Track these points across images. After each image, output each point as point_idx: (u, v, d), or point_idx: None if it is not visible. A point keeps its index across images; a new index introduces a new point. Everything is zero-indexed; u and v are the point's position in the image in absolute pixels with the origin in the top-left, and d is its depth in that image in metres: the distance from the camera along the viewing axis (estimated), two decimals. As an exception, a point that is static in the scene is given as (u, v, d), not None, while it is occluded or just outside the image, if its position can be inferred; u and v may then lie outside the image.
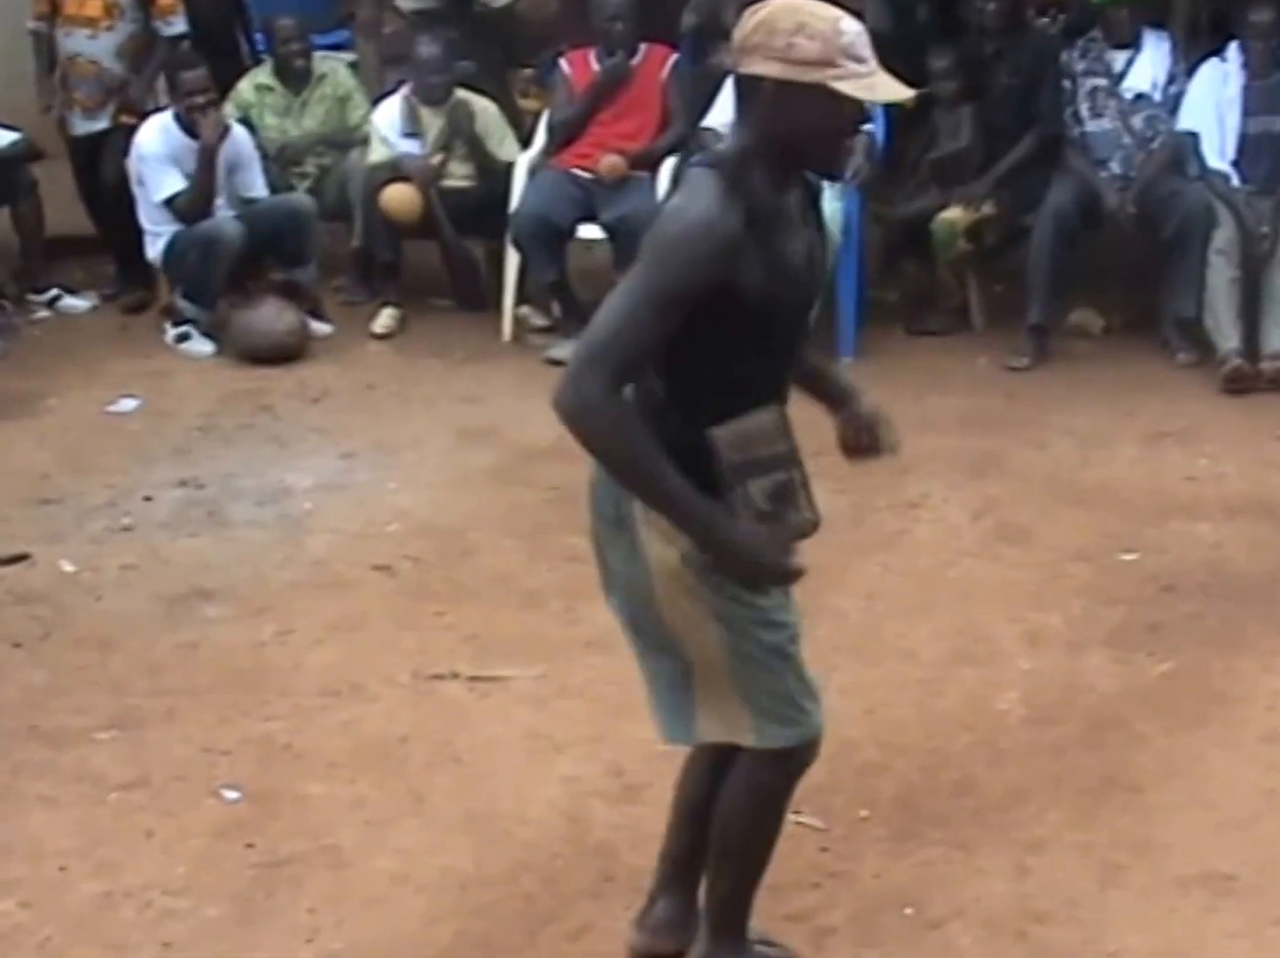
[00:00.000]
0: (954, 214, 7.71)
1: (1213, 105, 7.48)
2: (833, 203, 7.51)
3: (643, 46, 7.95)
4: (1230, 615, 5.22)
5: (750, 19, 3.09)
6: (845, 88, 3.02)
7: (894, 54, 8.15)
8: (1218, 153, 7.47)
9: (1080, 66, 7.74)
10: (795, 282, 3.19)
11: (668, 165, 7.80)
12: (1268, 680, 4.84)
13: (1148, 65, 7.69)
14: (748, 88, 3.10)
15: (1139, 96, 7.67)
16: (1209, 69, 7.55)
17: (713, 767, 3.54)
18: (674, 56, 8.00)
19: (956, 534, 5.88)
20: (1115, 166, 7.66)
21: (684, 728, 3.42)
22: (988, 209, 7.72)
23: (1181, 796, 4.30)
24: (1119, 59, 7.71)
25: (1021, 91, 7.80)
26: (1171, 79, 7.66)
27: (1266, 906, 3.86)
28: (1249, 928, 3.79)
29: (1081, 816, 4.23)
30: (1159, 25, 7.85)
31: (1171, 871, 3.99)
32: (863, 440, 3.55)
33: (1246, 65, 7.47)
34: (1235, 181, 7.44)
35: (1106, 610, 5.28)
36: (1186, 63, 7.66)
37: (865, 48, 3.05)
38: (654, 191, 7.69)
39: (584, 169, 7.82)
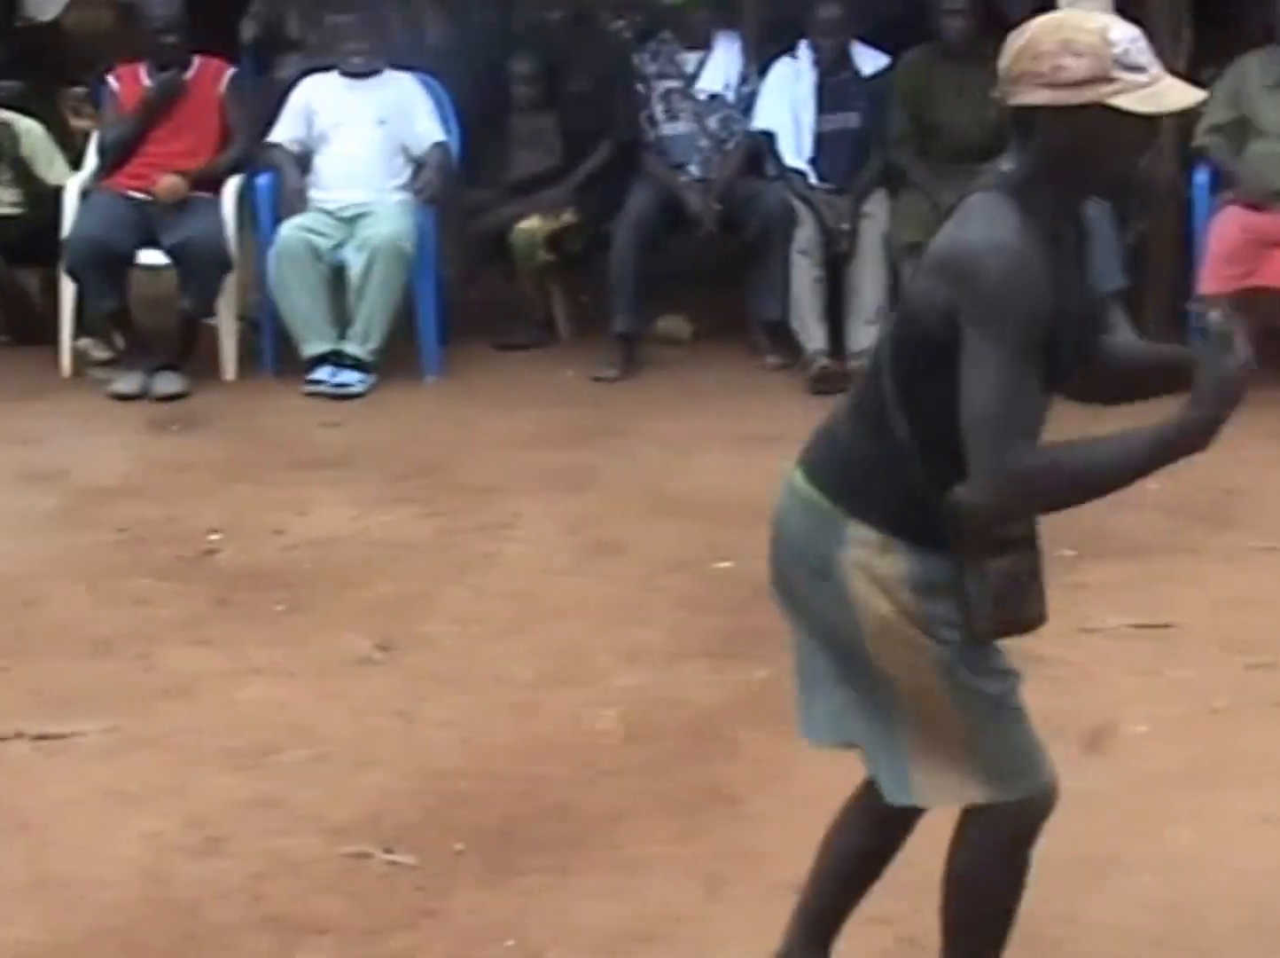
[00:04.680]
0: (532, 224, 7.63)
1: (787, 104, 7.55)
2: (404, 219, 7.40)
3: (196, 60, 7.70)
4: (825, 616, 5.19)
5: (1013, 45, 2.87)
6: (1124, 102, 2.80)
7: (460, 61, 8.22)
8: (795, 151, 7.53)
9: (652, 69, 7.75)
10: (1076, 319, 2.95)
11: (232, 184, 7.59)
12: (863, 680, 4.82)
13: (720, 66, 7.74)
14: (1021, 119, 2.87)
15: (713, 98, 7.70)
16: (781, 68, 7.61)
17: (881, 822, 3.30)
18: (231, 70, 7.77)
19: (550, 552, 5.79)
20: (694, 169, 7.68)
21: (901, 788, 3.15)
22: (567, 217, 7.68)
23: (781, 802, 4.25)
24: (691, 61, 7.74)
25: (595, 97, 7.76)
26: (744, 79, 7.71)
27: (866, 904, 3.71)
28: (850, 928, 3.62)
29: (683, 830, 4.15)
30: (730, 26, 7.86)
31: (773, 878, 3.90)
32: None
33: (818, 63, 7.56)
34: (813, 180, 7.50)
35: (704, 621, 5.23)
36: (758, 62, 7.70)
37: (1143, 54, 2.83)
38: (218, 213, 7.47)
39: (141, 190, 7.54)
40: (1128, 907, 3.75)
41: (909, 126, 7.49)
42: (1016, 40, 2.88)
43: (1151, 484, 6.09)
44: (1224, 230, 6.73)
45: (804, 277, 7.34)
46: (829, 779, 4.28)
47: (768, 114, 7.57)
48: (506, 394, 7.27)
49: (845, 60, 7.58)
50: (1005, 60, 2.89)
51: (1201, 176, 6.99)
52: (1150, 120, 2.85)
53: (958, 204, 2.94)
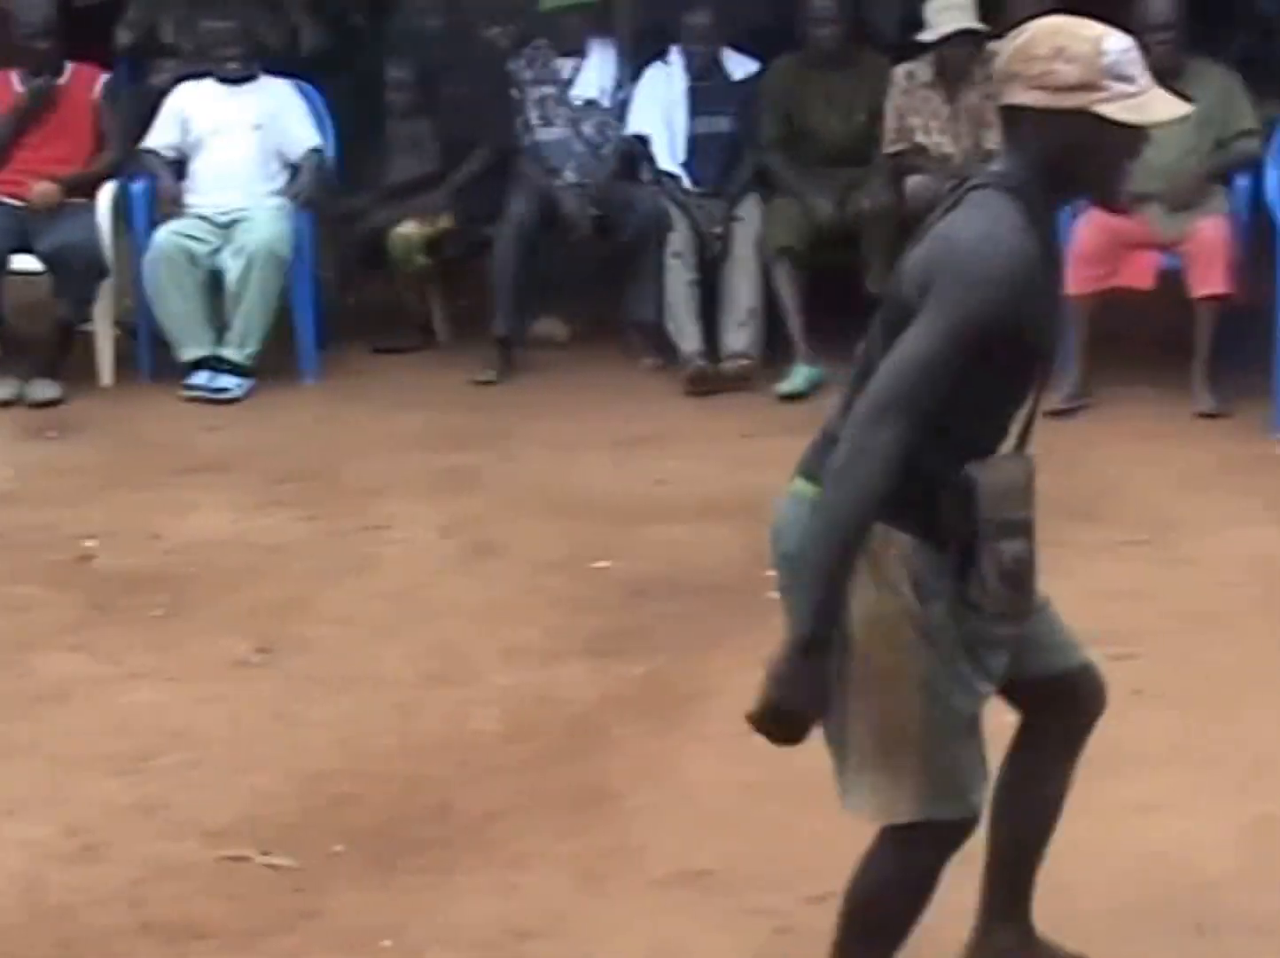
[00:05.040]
0: (410, 228, 7.61)
1: (659, 108, 7.58)
2: (280, 224, 7.37)
3: (70, 66, 7.62)
4: (703, 615, 5.24)
5: (1009, 45, 2.93)
6: (1110, 110, 2.86)
7: (336, 67, 8.19)
8: (668, 155, 7.56)
9: (528, 75, 7.77)
10: (1057, 320, 3.02)
11: (106, 190, 7.52)
12: (739, 676, 4.76)
13: (595, 72, 7.76)
14: (1011, 118, 2.94)
15: (588, 103, 7.72)
16: (653, 73, 7.65)
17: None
18: (105, 76, 7.70)
19: (428, 553, 5.79)
20: (569, 174, 7.69)
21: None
22: (444, 222, 7.66)
23: (660, 797, 4.27)
24: (566, 67, 7.76)
25: (472, 103, 7.76)
26: (619, 85, 7.73)
27: (744, 897, 3.84)
28: (728, 921, 3.76)
29: (563, 827, 4.16)
30: (604, 33, 7.89)
31: (652, 872, 3.95)
32: None
33: (689, 68, 7.59)
34: (687, 183, 7.54)
35: (583, 619, 5.24)
36: (632, 68, 7.72)
37: (1134, 65, 2.89)
38: (93, 218, 7.40)
39: (14, 197, 7.45)
40: (998, 894, 3.81)
41: (780, 131, 7.54)
42: (1013, 40, 2.92)
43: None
44: (1086, 233, 6.82)
45: (678, 279, 7.38)
46: (707, 774, 4.36)
47: (641, 118, 7.60)
48: (385, 397, 7.25)
49: (716, 65, 7.63)
50: (1000, 59, 2.94)
51: (1066, 180, 7.08)
52: (1135, 129, 2.90)
53: (953, 198, 2.96)
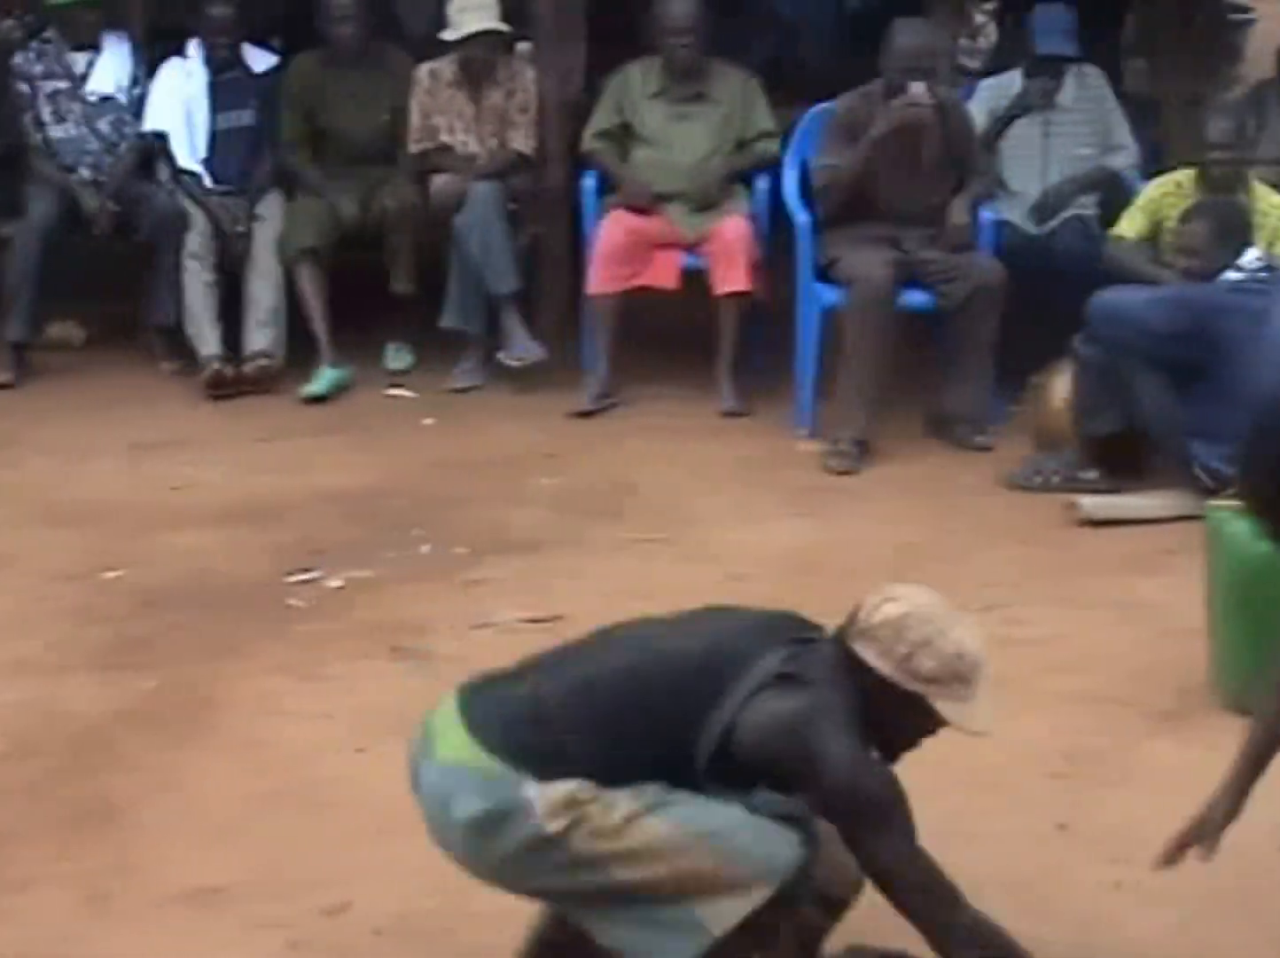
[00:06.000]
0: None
1: (179, 104, 7.36)
2: None
3: None
4: (217, 623, 5.14)
5: (886, 606, 3.10)
6: (941, 708, 3.08)
7: None
8: (188, 152, 7.36)
9: (38, 70, 7.46)
10: None
11: None
12: (253, 685, 4.78)
13: (110, 67, 7.48)
14: (854, 663, 3.10)
15: (105, 100, 7.46)
16: (171, 67, 7.41)
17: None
18: None
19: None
20: (85, 172, 7.42)
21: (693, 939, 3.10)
22: (-55, 221, 7.31)
23: (170, 812, 4.17)
24: (80, 61, 7.47)
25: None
26: (135, 81, 7.48)
27: (256, 910, 3.76)
28: (239, 937, 3.69)
29: (65, 847, 4.02)
30: (118, 26, 7.63)
31: (160, 889, 3.85)
32: None
33: (209, 61, 7.40)
34: (208, 181, 7.34)
35: (90, 631, 5.08)
36: (149, 63, 7.49)
37: (977, 671, 3.10)
38: None
39: None
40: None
41: (300, 129, 7.41)
42: (892, 604, 3.11)
43: (545, 480, 6.21)
44: (610, 233, 6.88)
45: (196, 281, 7.16)
46: (217, 786, 4.27)
47: (158, 115, 7.36)
48: None
49: (237, 59, 7.46)
50: (868, 610, 3.11)
51: (589, 181, 7.13)
52: (940, 722, 3.12)
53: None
